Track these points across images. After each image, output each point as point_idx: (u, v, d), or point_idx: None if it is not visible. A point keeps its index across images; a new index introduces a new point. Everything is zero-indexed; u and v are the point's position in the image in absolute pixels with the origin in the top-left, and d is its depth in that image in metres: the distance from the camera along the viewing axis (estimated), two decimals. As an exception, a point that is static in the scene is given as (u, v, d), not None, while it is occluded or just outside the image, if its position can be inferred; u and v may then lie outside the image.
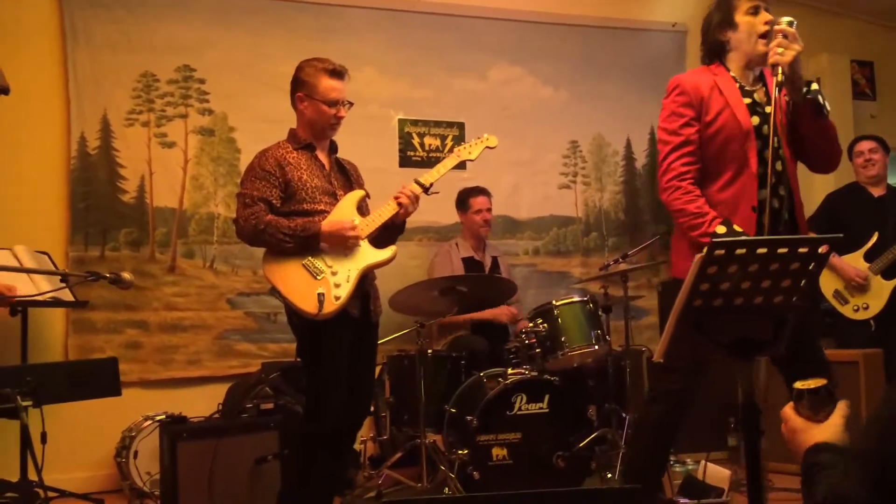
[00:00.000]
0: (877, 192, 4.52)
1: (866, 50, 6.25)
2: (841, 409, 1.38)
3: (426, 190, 3.00)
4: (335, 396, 2.79)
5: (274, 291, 2.82)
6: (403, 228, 3.09)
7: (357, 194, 2.98)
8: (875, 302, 4.28)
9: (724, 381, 4.19)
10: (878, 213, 4.41)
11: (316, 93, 2.90)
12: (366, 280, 2.92)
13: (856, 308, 4.31)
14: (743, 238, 1.68)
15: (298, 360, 3.01)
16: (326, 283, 2.79)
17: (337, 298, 2.77)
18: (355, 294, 2.84)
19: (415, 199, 2.95)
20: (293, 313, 2.81)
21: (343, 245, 2.84)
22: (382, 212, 2.94)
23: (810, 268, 1.66)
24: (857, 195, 4.54)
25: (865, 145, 4.54)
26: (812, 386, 1.39)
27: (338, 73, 2.93)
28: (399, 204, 2.93)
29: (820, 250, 1.66)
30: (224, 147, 4.57)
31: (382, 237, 2.99)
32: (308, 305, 2.73)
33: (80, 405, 3.27)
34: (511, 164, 5.12)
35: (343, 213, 2.90)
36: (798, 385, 1.41)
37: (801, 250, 1.65)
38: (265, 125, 4.36)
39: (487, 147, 3.18)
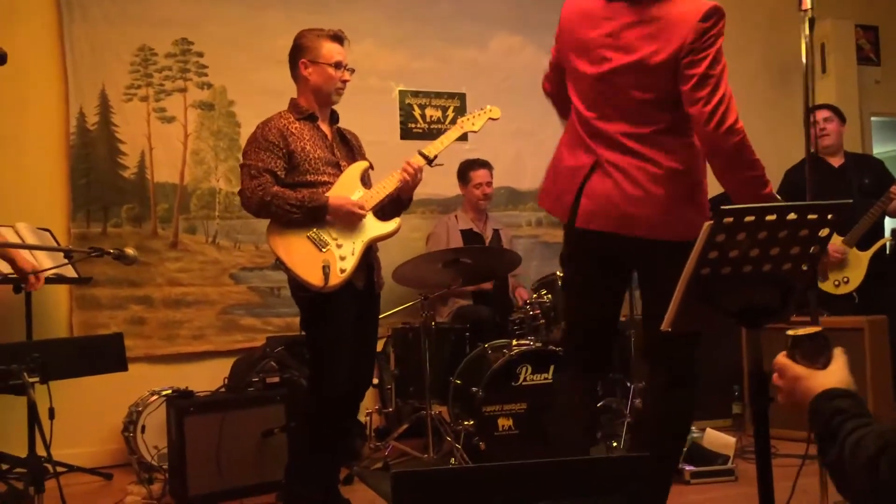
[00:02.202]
0: (835, 162, 4.45)
1: (871, 14, 6.18)
2: (840, 354, 1.30)
3: (430, 162, 2.99)
4: (340, 368, 2.80)
5: (279, 263, 2.82)
6: (410, 202, 3.09)
7: (361, 165, 2.97)
8: (854, 274, 4.23)
9: (728, 349, 4.27)
10: (840, 184, 4.30)
11: (320, 56, 2.91)
12: (370, 252, 2.92)
13: (836, 283, 4.26)
14: (752, 205, 1.66)
15: (302, 333, 3.02)
16: (332, 256, 2.79)
17: (342, 271, 2.77)
18: (360, 266, 2.84)
19: (418, 171, 2.95)
20: (298, 286, 2.81)
21: (347, 222, 2.83)
22: (386, 184, 2.94)
23: (820, 234, 1.65)
24: (817, 167, 4.43)
25: (820, 114, 4.40)
26: (810, 332, 1.32)
27: (338, 38, 2.96)
28: (402, 175, 2.92)
29: (829, 216, 1.65)
30: (224, 121, 4.54)
31: (388, 210, 2.98)
32: (314, 278, 2.73)
33: (86, 381, 3.28)
34: (513, 134, 5.08)
35: (347, 185, 2.89)
36: (792, 332, 1.33)
37: (811, 217, 1.63)
38: (265, 98, 4.31)
39: (490, 118, 3.16)
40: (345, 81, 2.96)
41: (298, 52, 2.94)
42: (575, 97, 2.44)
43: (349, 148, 3.04)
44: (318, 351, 2.86)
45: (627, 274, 2.59)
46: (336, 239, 2.83)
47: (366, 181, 2.99)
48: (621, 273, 2.53)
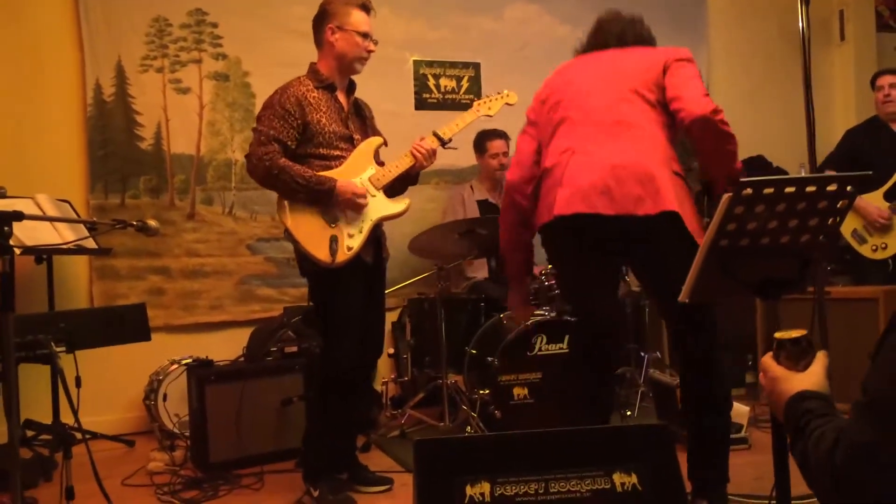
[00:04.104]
0: None
1: (891, -20, 6.08)
2: (821, 358, 1.38)
3: (444, 144, 3.02)
4: (350, 339, 2.85)
5: (287, 235, 2.85)
6: (417, 179, 3.11)
7: (375, 142, 2.99)
8: (894, 241, 4.24)
9: (741, 319, 4.28)
10: None
11: (348, 24, 2.90)
12: (377, 228, 2.95)
13: (874, 248, 4.28)
14: (771, 177, 1.67)
15: (310, 304, 3.06)
16: (340, 232, 2.82)
17: (350, 248, 2.81)
18: (368, 241, 2.88)
19: (432, 154, 2.98)
20: (305, 259, 2.84)
21: (349, 208, 2.86)
22: (399, 164, 2.96)
23: (838, 206, 1.65)
24: (878, 132, 4.45)
25: (887, 79, 4.41)
26: (793, 336, 1.39)
27: (366, 8, 2.95)
28: (415, 157, 2.94)
29: (848, 188, 1.65)
30: (239, 92, 4.54)
31: (395, 186, 3.01)
32: (321, 253, 2.77)
33: (106, 350, 3.33)
34: (528, 105, 5.05)
35: (360, 161, 2.92)
36: (778, 335, 1.40)
37: (830, 188, 1.64)
38: (280, 69, 4.27)
39: (507, 104, 3.18)
40: (370, 52, 2.95)
41: (325, 18, 2.93)
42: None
43: (362, 119, 3.05)
44: (328, 323, 2.90)
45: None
46: (346, 214, 2.86)
47: (378, 158, 3.00)
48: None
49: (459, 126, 3.05)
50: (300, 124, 2.82)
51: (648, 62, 2.51)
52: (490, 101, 3.16)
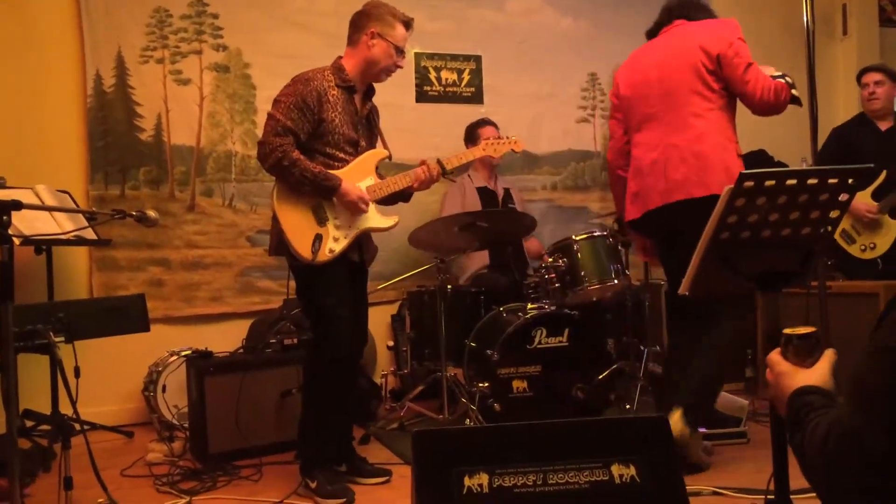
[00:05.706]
0: (883, 125, 4.40)
1: (895, -25, 6.05)
2: (828, 355, 1.37)
3: (444, 173, 3.08)
4: (343, 330, 2.87)
5: (274, 222, 2.87)
6: (409, 199, 3.14)
7: (380, 154, 3.02)
8: (882, 241, 4.22)
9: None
10: (885, 149, 4.28)
11: (389, 35, 2.94)
12: (361, 235, 2.97)
13: (863, 248, 4.26)
14: (773, 170, 1.67)
15: (295, 297, 3.07)
16: (326, 233, 2.86)
17: (331, 251, 2.85)
18: (353, 245, 2.92)
19: (431, 180, 3.02)
20: (292, 256, 2.86)
21: (349, 211, 2.90)
22: (398, 181, 3.00)
23: (840, 198, 1.65)
24: (864, 129, 4.42)
25: (871, 77, 4.38)
26: (802, 332, 1.38)
27: (409, 26, 3.00)
28: (415, 177, 2.99)
29: (849, 181, 1.65)
30: (239, 84, 4.53)
31: (386, 200, 3.06)
32: (303, 249, 2.81)
33: (105, 341, 3.33)
34: (530, 97, 5.06)
35: (362, 170, 2.95)
36: (787, 331, 1.39)
37: (831, 181, 1.63)
38: (280, 61, 4.32)
39: (513, 150, 3.32)
40: (398, 67, 3.00)
41: (368, 20, 2.94)
42: None
43: (371, 126, 3.07)
44: (320, 316, 2.91)
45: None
46: (336, 218, 2.89)
47: (379, 170, 3.02)
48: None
49: (462, 160, 3.16)
50: (315, 120, 2.84)
51: (704, 50, 3.00)
52: (498, 143, 3.29)
